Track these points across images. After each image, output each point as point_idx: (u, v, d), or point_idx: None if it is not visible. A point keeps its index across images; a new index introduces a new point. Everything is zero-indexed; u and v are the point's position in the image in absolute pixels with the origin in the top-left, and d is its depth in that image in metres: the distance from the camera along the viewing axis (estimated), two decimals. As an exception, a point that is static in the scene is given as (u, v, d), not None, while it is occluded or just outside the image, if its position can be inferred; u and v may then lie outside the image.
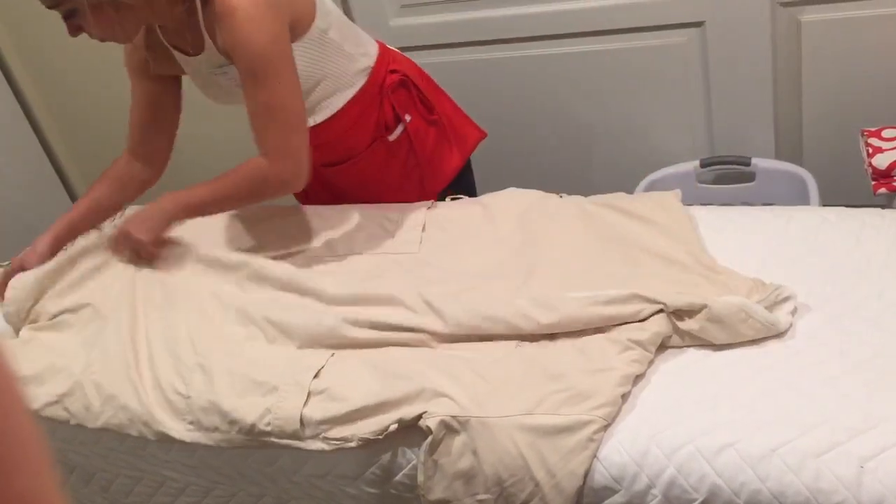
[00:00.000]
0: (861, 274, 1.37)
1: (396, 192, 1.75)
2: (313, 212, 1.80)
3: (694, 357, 1.27)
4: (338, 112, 1.63)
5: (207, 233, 1.81)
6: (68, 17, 1.39)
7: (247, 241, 1.76)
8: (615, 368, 1.23)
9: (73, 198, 3.00)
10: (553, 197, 1.66)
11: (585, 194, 1.66)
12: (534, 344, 1.34)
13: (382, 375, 1.30)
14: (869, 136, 1.97)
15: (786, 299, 1.31)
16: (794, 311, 1.30)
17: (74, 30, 1.41)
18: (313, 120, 1.61)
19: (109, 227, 1.86)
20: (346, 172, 1.73)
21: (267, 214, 1.83)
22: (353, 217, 1.74)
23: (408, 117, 1.71)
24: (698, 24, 2.23)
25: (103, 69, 2.76)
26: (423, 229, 1.65)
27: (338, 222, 1.74)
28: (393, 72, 1.68)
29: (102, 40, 1.43)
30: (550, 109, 2.15)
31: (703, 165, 2.31)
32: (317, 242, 1.70)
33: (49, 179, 2.92)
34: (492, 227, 1.62)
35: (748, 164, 2.27)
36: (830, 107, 2.26)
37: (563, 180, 1.87)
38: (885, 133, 1.96)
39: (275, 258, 1.68)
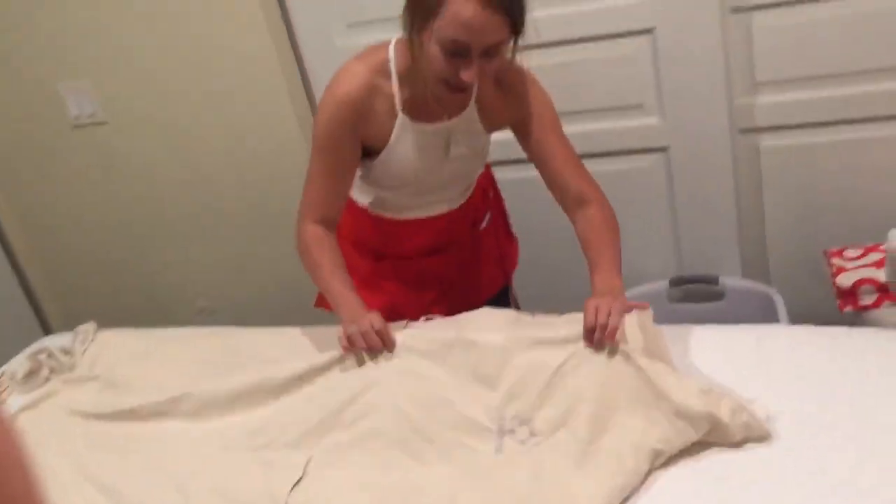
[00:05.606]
0: (833, 393, 1.37)
1: (484, 276, 1.92)
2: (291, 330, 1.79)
3: (674, 477, 1.26)
4: (464, 202, 1.77)
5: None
6: (487, 54, 1.36)
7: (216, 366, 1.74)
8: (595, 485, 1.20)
9: (31, 298, 2.92)
10: (525, 317, 1.67)
11: (559, 313, 1.67)
12: (514, 451, 1.32)
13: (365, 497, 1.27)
14: (832, 257, 2.02)
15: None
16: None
17: (475, 74, 1.36)
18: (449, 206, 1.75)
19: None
20: (444, 261, 1.84)
21: (232, 336, 1.82)
22: (328, 336, 1.73)
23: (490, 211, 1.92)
24: (664, 149, 2.31)
25: (67, 176, 2.76)
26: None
27: (318, 340, 1.73)
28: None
29: (463, 89, 1.42)
30: (526, 229, 2.17)
31: (672, 284, 2.36)
32: (298, 361, 1.67)
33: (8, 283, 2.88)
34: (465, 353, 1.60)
35: (716, 283, 2.32)
36: (792, 228, 2.33)
37: (534, 299, 1.89)
38: (847, 253, 2.01)
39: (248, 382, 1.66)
